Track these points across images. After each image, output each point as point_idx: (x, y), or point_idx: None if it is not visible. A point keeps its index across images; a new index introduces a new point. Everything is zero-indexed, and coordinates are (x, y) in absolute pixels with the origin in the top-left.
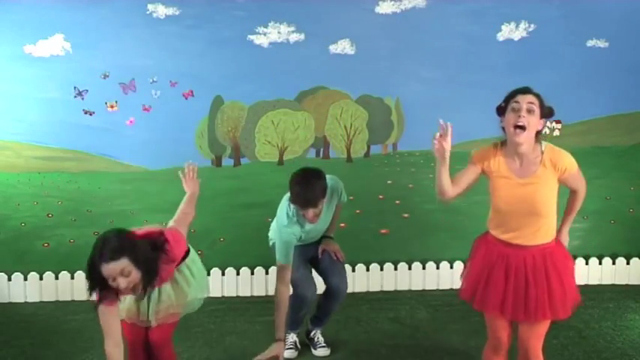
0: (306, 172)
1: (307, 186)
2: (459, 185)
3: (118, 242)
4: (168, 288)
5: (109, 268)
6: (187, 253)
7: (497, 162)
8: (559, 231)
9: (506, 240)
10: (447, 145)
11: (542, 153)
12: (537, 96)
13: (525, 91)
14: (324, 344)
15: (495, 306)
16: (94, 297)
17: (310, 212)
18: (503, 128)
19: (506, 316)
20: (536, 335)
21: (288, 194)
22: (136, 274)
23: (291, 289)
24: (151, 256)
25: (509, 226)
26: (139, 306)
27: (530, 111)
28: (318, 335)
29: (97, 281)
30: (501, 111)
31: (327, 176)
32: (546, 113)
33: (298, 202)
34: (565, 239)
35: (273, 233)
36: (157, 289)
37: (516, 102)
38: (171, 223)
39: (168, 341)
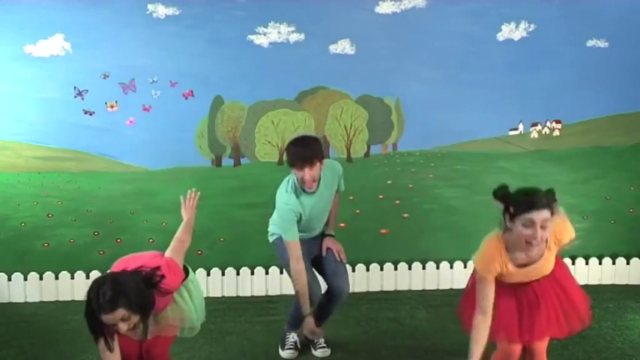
0: (302, 135)
1: (304, 145)
2: (490, 308)
3: (113, 293)
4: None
5: (109, 318)
6: (186, 275)
7: (503, 265)
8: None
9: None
10: None
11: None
12: (549, 206)
13: (541, 206)
14: (324, 344)
15: (520, 336)
16: (100, 344)
17: (307, 173)
18: (504, 217)
19: (523, 341)
20: (546, 341)
21: (286, 178)
22: (135, 317)
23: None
24: (147, 295)
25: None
26: None
27: (543, 227)
28: None
29: (98, 327)
30: (505, 208)
31: (330, 159)
32: (555, 210)
33: (295, 160)
34: None
35: (273, 226)
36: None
37: (531, 220)
38: (167, 253)
39: (163, 354)
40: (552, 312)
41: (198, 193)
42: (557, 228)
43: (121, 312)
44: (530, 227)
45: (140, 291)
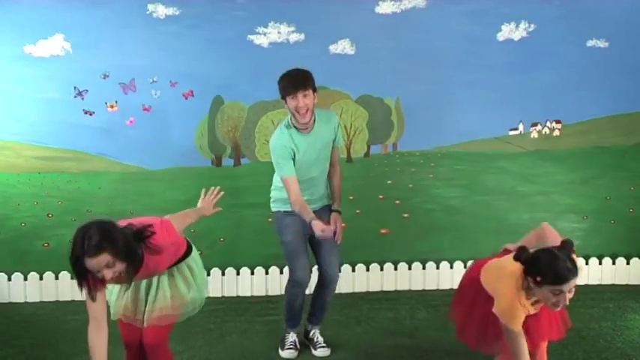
0: (292, 68)
1: (296, 72)
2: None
3: (99, 236)
4: (166, 287)
5: (93, 263)
6: (189, 251)
7: (526, 311)
8: None
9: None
10: None
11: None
12: (576, 274)
13: (568, 279)
14: (323, 344)
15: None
16: (84, 292)
17: (301, 99)
18: (529, 285)
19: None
20: (546, 341)
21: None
22: (120, 265)
23: (288, 275)
24: (133, 245)
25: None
26: (137, 305)
27: (570, 291)
28: (317, 335)
29: (82, 273)
30: (530, 276)
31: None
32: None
33: (289, 86)
34: None
35: (275, 191)
36: (154, 287)
37: (560, 290)
38: (167, 216)
39: (162, 343)
40: (552, 315)
41: (222, 193)
42: None
43: (105, 257)
44: (558, 295)
45: (127, 240)
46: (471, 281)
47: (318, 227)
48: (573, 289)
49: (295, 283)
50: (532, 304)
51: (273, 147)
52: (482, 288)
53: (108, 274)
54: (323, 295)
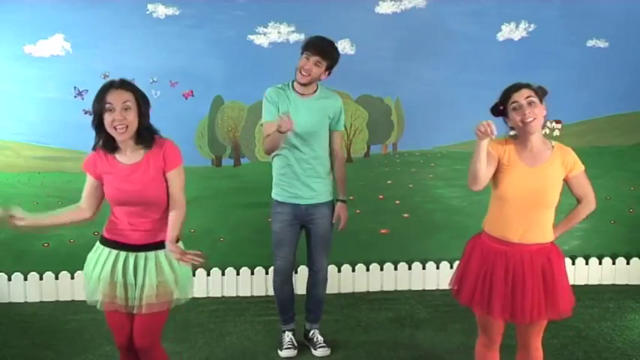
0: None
1: (328, 41)
2: (486, 173)
3: (125, 81)
4: (153, 272)
5: (115, 95)
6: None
7: (506, 150)
8: (554, 229)
9: (505, 238)
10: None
11: (553, 147)
12: (528, 86)
13: (517, 87)
14: (323, 344)
15: (498, 309)
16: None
17: (311, 62)
18: (511, 127)
19: (504, 318)
20: (535, 332)
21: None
22: (133, 115)
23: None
24: (148, 113)
25: (512, 221)
26: (127, 290)
27: (530, 104)
28: (317, 335)
29: (96, 116)
30: (499, 112)
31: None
32: (542, 96)
33: (311, 44)
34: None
35: (273, 188)
36: (141, 270)
37: (515, 102)
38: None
39: (154, 345)
40: (537, 295)
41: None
42: (562, 148)
43: (127, 95)
44: (518, 110)
45: (146, 102)
46: (470, 248)
47: (282, 120)
48: (536, 105)
49: (276, 272)
50: (518, 156)
51: (266, 92)
52: (478, 248)
53: (121, 115)
54: (313, 289)
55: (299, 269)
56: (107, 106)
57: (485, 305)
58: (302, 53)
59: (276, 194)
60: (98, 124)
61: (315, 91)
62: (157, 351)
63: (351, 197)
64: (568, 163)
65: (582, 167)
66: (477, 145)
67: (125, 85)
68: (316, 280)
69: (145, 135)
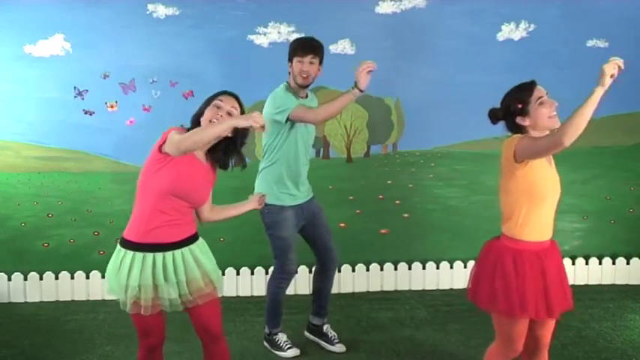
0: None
1: (312, 39)
2: None
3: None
4: (194, 266)
5: (226, 99)
6: (197, 235)
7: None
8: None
9: (538, 239)
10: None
11: None
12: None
13: (534, 84)
14: (338, 339)
15: (532, 308)
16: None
17: (307, 63)
18: (517, 126)
19: (540, 316)
20: (550, 329)
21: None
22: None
23: (278, 269)
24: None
25: (549, 220)
26: (157, 291)
27: (553, 101)
28: (330, 330)
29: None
30: (503, 115)
31: None
32: None
33: (299, 47)
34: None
35: (269, 196)
36: (180, 268)
37: (541, 97)
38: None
39: (220, 326)
40: (560, 286)
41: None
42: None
43: (235, 104)
44: (546, 104)
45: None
46: (486, 251)
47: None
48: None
49: (286, 276)
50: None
51: (279, 95)
52: (493, 252)
53: (218, 113)
54: (325, 284)
55: (299, 269)
56: (217, 102)
57: (523, 307)
58: (290, 60)
59: (275, 200)
60: (197, 118)
61: (307, 94)
62: (223, 341)
63: (350, 197)
64: None
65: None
66: (596, 93)
67: (234, 94)
68: (329, 273)
69: (220, 155)
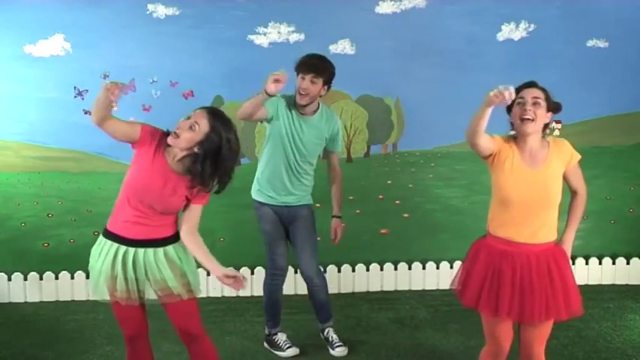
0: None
1: (319, 57)
2: (485, 136)
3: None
4: (164, 263)
5: (199, 113)
6: (177, 237)
7: (510, 150)
8: (562, 238)
9: (510, 238)
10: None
11: (549, 145)
12: (543, 90)
13: (530, 85)
14: (340, 343)
15: (505, 308)
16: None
17: (307, 81)
18: (512, 124)
19: (512, 318)
20: (540, 338)
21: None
22: (195, 135)
23: (268, 265)
24: (214, 155)
25: (519, 222)
26: (128, 284)
27: (535, 104)
28: (332, 334)
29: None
30: (510, 108)
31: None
32: (552, 107)
33: (303, 65)
34: (568, 247)
35: (253, 190)
36: (151, 263)
37: (521, 97)
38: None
39: (196, 329)
40: (545, 294)
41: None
42: (557, 142)
43: (208, 119)
44: (521, 105)
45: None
46: (475, 250)
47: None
48: (541, 106)
49: (277, 271)
50: (520, 157)
51: (277, 96)
52: (484, 250)
53: (186, 125)
54: (314, 293)
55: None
56: (191, 115)
57: (492, 306)
58: (297, 75)
59: (259, 196)
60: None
61: (316, 111)
62: (203, 340)
63: (350, 197)
64: (565, 155)
65: (579, 157)
66: (483, 108)
67: (210, 109)
68: (313, 288)
69: (196, 168)
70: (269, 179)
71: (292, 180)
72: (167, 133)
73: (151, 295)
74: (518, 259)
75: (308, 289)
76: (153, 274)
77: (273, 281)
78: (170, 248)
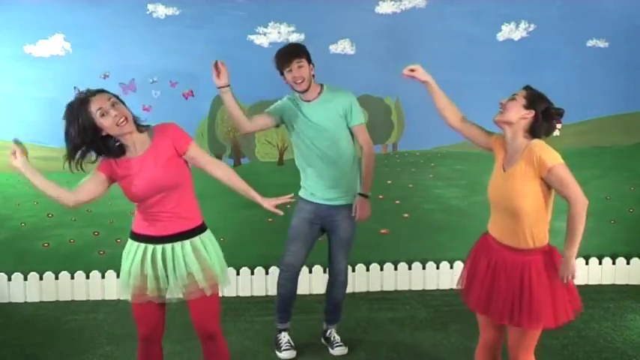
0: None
1: (287, 45)
2: (467, 123)
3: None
4: (192, 258)
5: (97, 99)
6: (204, 228)
7: (501, 149)
8: (563, 257)
9: (491, 234)
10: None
11: (526, 147)
12: (530, 90)
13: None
14: (340, 343)
15: (473, 300)
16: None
17: (295, 69)
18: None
19: (479, 311)
20: (523, 346)
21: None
22: (124, 107)
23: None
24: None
25: (494, 221)
26: (158, 282)
27: (511, 99)
28: (333, 334)
29: (88, 133)
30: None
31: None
32: (532, 105)
33: (282, 59)
34: (566, 266)
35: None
36: (179, 259)
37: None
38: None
39: (216, 328)
40: (510, 299)
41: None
42: (532, 146)
43: (107, 95)
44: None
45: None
46: (478, 248)
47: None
48: (516, 99)
49: (285, 267)
50: (501, 152)
51: (284, 98)
52: (485, 251)
53: (113, 112)
54: (333, 292)
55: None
56: (98, 112)
57: (468, 298)
58: (282, 74)
59: (300, 191)
60: (92, 140)
61: (320, 93)
62: (220, 339)
63: None
64: (533, 162)
65: (552, 163)
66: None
67: (98, 90)
68: (336, 283)
69: (138, 121)
70: (307, 173)
71: (328, 168)
72: (113, 149)
73: (177, 292)
74: (493, 255)
75: (329, 285)
76: (180, 269)
77: (282, 275)
78: (197, 239)
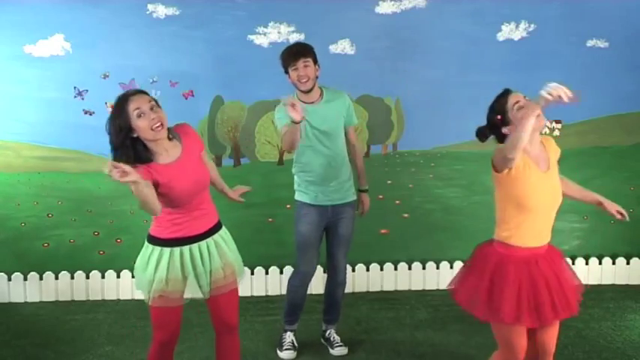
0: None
1: (295, 44)
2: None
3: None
4: (216, 256)
5: (137, 100)
6: (220, 225)
7: (522, 157)
8: (597, 199)
9: (533, 245)
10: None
11: (544, 145)
12: (517, 94)
13: (509, 92)
14: (340, 343)
15: (530, 319)
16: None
17: (301, 67)
18: (504, 135)
19: (542, 322)
20: (555, 336)
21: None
22: (162, 112)
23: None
24: None
25: (540, 227)
26: (184, 282)
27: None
28: (333, 335)
29: (122, 133)
30: (492, 128)
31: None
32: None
33: (289, 57)
34: (603, 199)
35: (296, 191)
36: (206, 257)
37: (517, 102)
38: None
39: (237, 318)
40: (557, 291)
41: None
42: (546, 141)
43: (148, 97)
44: (524, 106)
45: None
46: (476, 254)
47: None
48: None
49: (299, 275)
50: (528, 156)
51: (277, 110)
52: (482, 255)
53: (152, 114)
54: (332, 291)
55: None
56: (136, 112)
57: (535, 316)
58: (286, 72)
59: (302, 196)
60: (123, 141)
61: (321, 95)
62: (236, 333)
63: None
64: (556, 150)
65: (558, 149)
66: (528, 114)
67: (140, 91)
68: (336, 282)
69: (168, 128)
70: (310, 176)
71: (329, 170)
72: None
73: (205, 289)
74: (532, 264)
75: (328, 283)
76: (215, 264)
77: (294, 283)
78: (217, 236)
